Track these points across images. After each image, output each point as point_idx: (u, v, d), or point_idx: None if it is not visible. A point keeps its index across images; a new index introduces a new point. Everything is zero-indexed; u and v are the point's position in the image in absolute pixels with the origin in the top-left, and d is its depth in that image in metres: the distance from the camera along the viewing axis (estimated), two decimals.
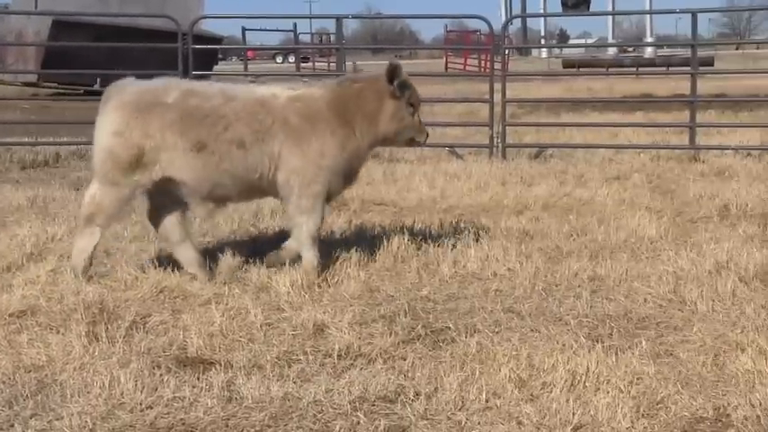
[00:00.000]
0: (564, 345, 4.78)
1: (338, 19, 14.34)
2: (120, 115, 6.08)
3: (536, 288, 6.02)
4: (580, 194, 9.51)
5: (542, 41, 62.82)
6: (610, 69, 32.27)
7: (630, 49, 54.14)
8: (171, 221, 6.35)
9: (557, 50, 56.49)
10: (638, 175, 10.78)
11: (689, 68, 13.64)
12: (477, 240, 7.07)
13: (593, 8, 63.23)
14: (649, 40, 54.93)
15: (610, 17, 60.02)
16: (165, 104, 6.09)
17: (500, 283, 6.14)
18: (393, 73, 6.37)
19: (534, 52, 58.34)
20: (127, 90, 6.21)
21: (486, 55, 30.49)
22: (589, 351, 4.63)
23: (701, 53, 34.04)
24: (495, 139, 12.98)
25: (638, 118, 17.84)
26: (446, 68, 41.87)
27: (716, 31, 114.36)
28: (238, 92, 6.33)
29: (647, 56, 43.84)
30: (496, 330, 5.14)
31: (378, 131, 6.42)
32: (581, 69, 34.17)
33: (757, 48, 64.99)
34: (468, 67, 40.76)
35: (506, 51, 16.62)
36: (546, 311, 5.52)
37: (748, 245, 6.91)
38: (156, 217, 6.38)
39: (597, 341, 4.88)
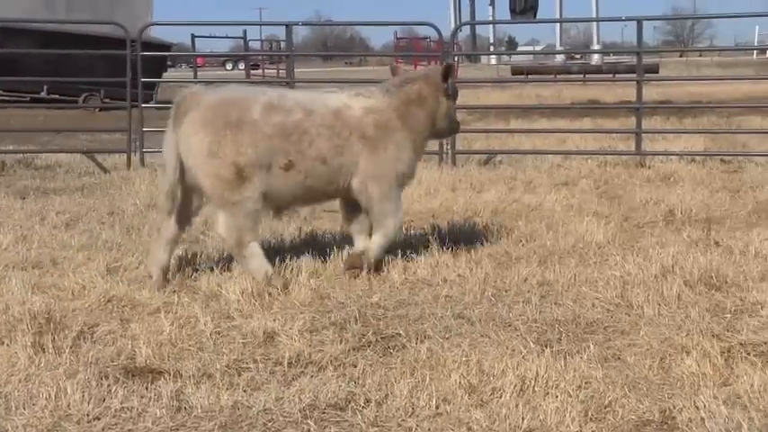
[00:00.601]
0: (513, 350, 4.80)
1: (288, 26, 14.30)
2: (210, 132, 6.13)
3: (486, 294, 6.04)
4: (529, 200, 9.57)
5: (491, 48, 63.22)
6: (558, 76, 32.56)
7: (578, 56, 54.62)
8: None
9: (506, 57, 56.86)
10: (586, 181, 10.88)
11: (635, 75, 13.77)
12: (427, 247, 7.08)
13: (540, 15, 63.73)
14: (596, 47, 55.51)
15: (557, 24, 60.51)
16: (253, 121, 6.20)
17: (450, 290, 6.15)
18: (448, 72, 6.71)
19: (483, 59, 58.64)
20: (206, 103, 6.21)
21: (436, 62, 30.60)
22: (538, 356, 4.66)
23: (647, 60, 34.43)
24: (445, 146, 13.03)
25: (585, 124, 18.03)
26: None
27: (660, 38, 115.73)
28: (314, 104, 6.45)
29: (594, 63, 44.19)
30: (446, 336, 5.15)
31: (434, 127, 6.84)
32: (529, 76, 34.38)
33: (700, 55, 65.93)
34: None
35: (456, 58, 16.70)
36: (495, 317, 5.53)
37: (693, 249, 7.01)
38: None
39: (546, 346, 4.91)
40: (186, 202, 6.35)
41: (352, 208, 6.68)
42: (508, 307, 5.75)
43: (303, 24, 47.76)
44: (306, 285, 6.14)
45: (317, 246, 7.18)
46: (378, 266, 6.56)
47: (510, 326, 5.35)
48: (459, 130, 7.47)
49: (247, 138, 6.15)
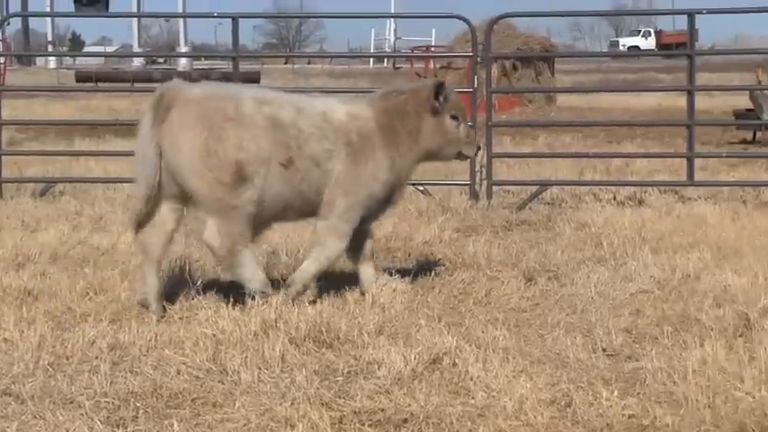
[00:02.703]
0: None
1: (234, 18, 13.32)
2: (207, 127, 6.75)
3: (41, 363, 5.92)
4: (99, 241, 9.49)
5: (49, 48, 62.07)
6: (135, 84, 32.58)
7: (161, 59, 55.05)
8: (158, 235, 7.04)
9: (69, 59, 56.04)
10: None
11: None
12: None
13: (113, 8, 63.47)
14: (184, 49, 56.27)
15: (135, 20, 60.68)
16: (249, 113, 6.87)
17: None
18: (438, 90, 7.39)
19: (39, 61, 57.44)
20: (194, 97, 6.88)
21: None
22: None
23: (246, 66, 35.39)
24: None
25: None
26: None
27: (262, 41, 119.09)
28: (301, 103, 7.23)
29: (181, 68, 44.78)
30: None
31: (420, 148, 7.46)
32: (99, 84, 34.16)
33: (308, 62, 68.63)
34: None
35: (2, 60, 16.22)
36: (54, 392, 5.44)
37: (299, 299, 7.25)
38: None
39: (119, 426, 4.90)
40: (165, 213, 6.98)
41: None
42: (70, 379, 5.66)
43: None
44: None
45: None
46: (299, 285, 7.21)
47: (72, 403, 5.28)
48: (475, 154, 8.07)
49: (248, 132, 6.80)
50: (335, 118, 7.23)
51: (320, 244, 7.29)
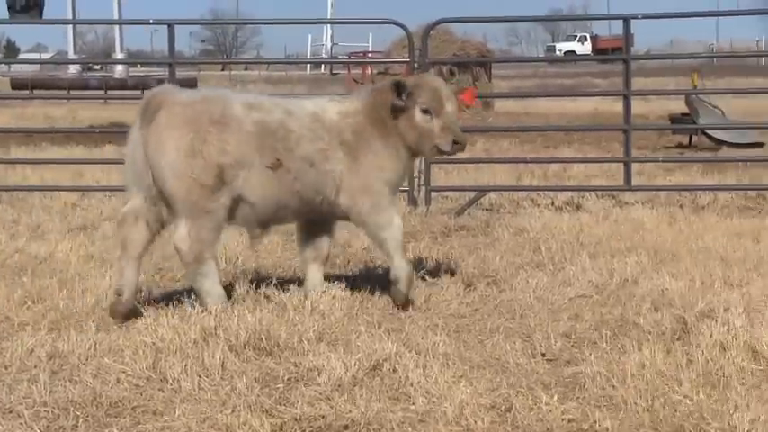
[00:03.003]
0: None
1: (170, 25, 12.99)
2: (193, 129, 6.89)
3: None
4: (36, 250, 9.43)
5: None
6: (71, 92, 32.32)
7: (97, 66, 54.64)
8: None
9: (4, 67, 55.47)
10: (109, 225, 10.88)
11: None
12: None
13: (48, 15, 62.88)
14: (119, 56, 55.83)
15: (70, 27, 60.11)
16: (237, 117, 7.03)
17: None
18: (399, 88, 7.34)
19: None
20: (183, 99, 7.07)
21: None
22: None
23: (183, 73, 35.24)
24: None
25: (108, 153, 18.05)
26: None
27: (198, 47, 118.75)
28: (290, 106, 7.38)
29: (117, 76, 44.45)
30: None
31: (404, 143, 7.46)
32: (35, 91, 33.82)
33: (245, 68, 68.55)
34: None
35: None
36: None
37: (240, 305, 7.24)
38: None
39: None
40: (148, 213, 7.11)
41: (310, 232, 7.64)
42: (9, 388, 5.63)
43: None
44: None
45: None
46: (407, 282, 7.49)
47: (12, 412, 5.25)
48: (452, 149, 7.50)
49: (233, 136, 6.96)
50: (327, 118, 7.36)
51: (380, 241, 7.50)
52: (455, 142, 7.46)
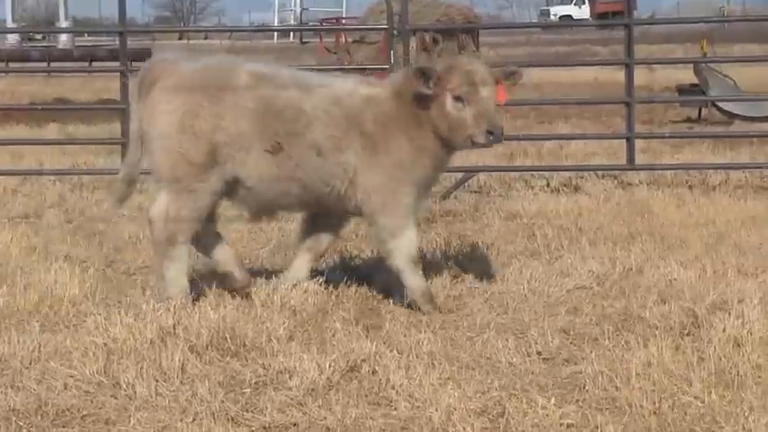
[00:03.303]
0: None
1: None
2: (182, 102, 6.91)
3: None
4: None
5: None
6: (10, 64, 32.19)
7: (39, 36, 54.36)
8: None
9: None
10: (55, 212, 10.87)
11: (119, 64, 13.95)
12: None
13: None
14: (64, 24, 55.64)
15: None
16: (237, 91, 6.98)
17: None
18: (425, 74, 7.08)
19: None
20: (182, 69, 7.10)
21: None
22: None
23: (135, 42, 35.07)
24: None
25: (52, 132, 17.98)
26: None
27: (153, 14, 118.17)
28: (312, 82, 7.30)
29: (62, 46, 44.26)
30: None
31: (437, 133, 7.22)
32: None
33: (205, 37, 68.26)
34: None
35: None
36: None
37: (202, 302, 7.22)
38: None
39: None
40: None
41: (316, 223, 7.64)
42: None
43: None
44: None
45: None
46: (424, 302, 7.30)
47: None
48: (488, 141, 7.15)
49: (229, 111, 6.95)
50: (350, 103, 7.22)
51: (387, 251, 7.37)
52: (489, 132, 7.11)
